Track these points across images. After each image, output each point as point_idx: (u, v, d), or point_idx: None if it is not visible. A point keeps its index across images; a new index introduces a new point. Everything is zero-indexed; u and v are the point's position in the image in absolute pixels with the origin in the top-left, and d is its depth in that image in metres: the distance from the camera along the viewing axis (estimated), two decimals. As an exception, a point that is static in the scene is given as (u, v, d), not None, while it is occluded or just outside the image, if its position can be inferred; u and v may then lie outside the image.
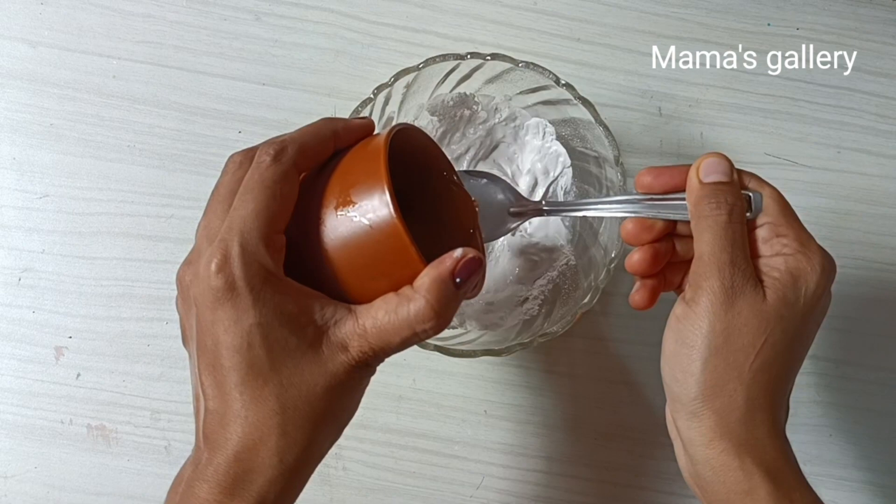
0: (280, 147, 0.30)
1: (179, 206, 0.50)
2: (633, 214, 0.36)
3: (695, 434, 0.33)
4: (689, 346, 0.33)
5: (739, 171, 0.36)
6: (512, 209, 0.42)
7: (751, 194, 0.35)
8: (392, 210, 0.29)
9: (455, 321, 0.46)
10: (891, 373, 0.51)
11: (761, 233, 0.35)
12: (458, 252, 0.30)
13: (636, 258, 0.36)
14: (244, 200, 0.29)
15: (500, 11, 0.53)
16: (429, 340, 0.41)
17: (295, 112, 0.51)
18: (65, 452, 0.48)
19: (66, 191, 0.50)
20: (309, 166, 0.32)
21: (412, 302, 0.29)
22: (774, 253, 0.34)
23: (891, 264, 0.52)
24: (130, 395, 0.48)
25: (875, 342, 0.51)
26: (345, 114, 0.42)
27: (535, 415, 0.50)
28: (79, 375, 0.48)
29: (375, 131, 0.34)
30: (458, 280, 0.30)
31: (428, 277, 0.30)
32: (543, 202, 0.42)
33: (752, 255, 0.34)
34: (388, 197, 0.29)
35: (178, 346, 0.48)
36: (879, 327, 0.52)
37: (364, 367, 0.30)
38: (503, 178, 0.45)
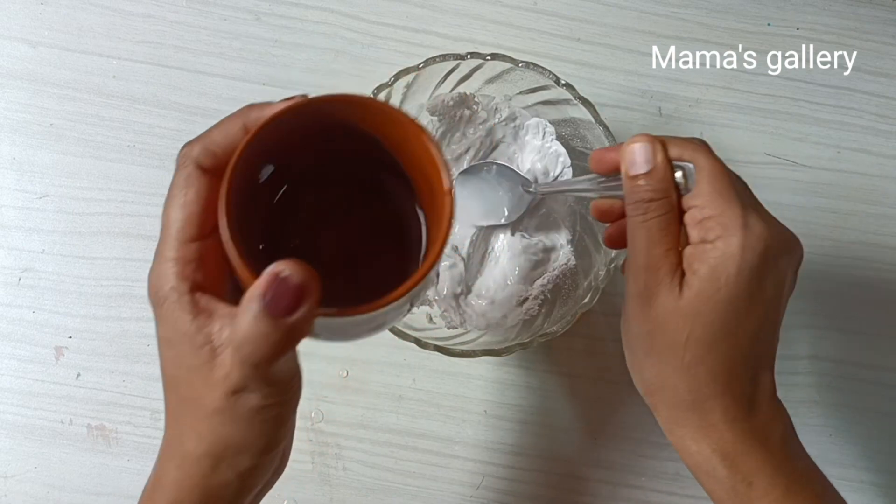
0: (186, 150, 0.29)
1: (179, 206, 0.50)
2: (594, 195, 0.38)
3: (660, 423, 0.35)
4: (630, 349, 0.35)
5: (669, 143, 0.33)
6: (528, 188, 0.46)
7: (684, 168, 0.33)
8: (223, 223, 0.26)
9: (455, 321, 0.46)
10: (891, 373, 0.51)
11: (693, 215, 0.32)
12: (270, 267, 0.25)
13: (608, 233, 0.39)
14: (163, 213, 0.30)
15: (500, 11, 0.53)
16: (429, 340, 0.41)
17: (295, 112, 0.51)
18: (65, 452, 0.48)
19: (66, 191, 0.50)
20: (219, 165, 0.28)
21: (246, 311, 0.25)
22: (700, 239, 0.32)
23: (891, 264, 0.52)
24: (130, 395, 0.48)
25: (875, 342, 0.51)
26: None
27: (535, 415, 0.50)
28: (79, 375, 0.48)
29: None
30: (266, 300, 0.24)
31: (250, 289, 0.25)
32: (534, 186, 0.45)
33: (685, 242, 0.33)
34: (222, 211, 0.26)
35: (178, 346, 0.49)
36: (879, 327, 0.52)
37: (242, 391, 0.26)
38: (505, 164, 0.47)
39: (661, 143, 0.33)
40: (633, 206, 0.33)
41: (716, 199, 0.32)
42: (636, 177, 0.33)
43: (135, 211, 0.50)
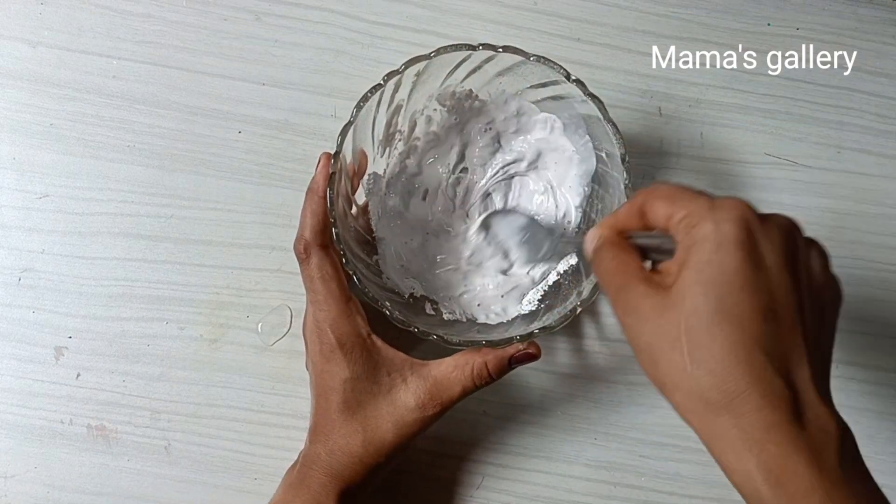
0: (303, 245, 0.41)
1: (179, 206, 0.50)
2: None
3: (702, 441, 0.31)
4: (650, 376, 0.32)
5: (617, 217, 0.35)
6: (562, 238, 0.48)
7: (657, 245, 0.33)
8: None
9: (456, 312, 0.47)
10: (891, 373, 0.51)
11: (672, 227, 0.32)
12: (521, 345, 0.42)
13: None
14: (310, 297, 0.42)
15: (501, 11, 0.53)
16: (431, 331, 0.42)
17: (295, 112, 0.51)
18: (65, 452, 0.48)
19: (66, 191, 0.50)
20: (327, 236, 0.42)
21: (475, 363, 0.41)
22: (680, 242, 0.31)
23: (891, 264, 0.52)
24: (130, 395, 0.48)
25: (875, 342, 0.51)
26: (345, 113, 0.42)
27: (535, 415, 0.50)
28: (79, 375, 0.48)
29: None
30: (512, 363, 0.42)
31: (493, 353, 0.41)
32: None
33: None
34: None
35: (177, 346, 0.49)
36: (879, 327, 0.52)
37: (420, 409, 0.41)
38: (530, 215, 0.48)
39: (612, 220, 0.35)
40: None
41: (676, 205, 0.31)
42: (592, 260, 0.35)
43: (135, 211, 0.50)
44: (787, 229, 0.31)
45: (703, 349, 0.29)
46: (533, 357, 0.42)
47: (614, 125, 0.43)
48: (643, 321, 0.30)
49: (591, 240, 0.35)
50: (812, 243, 0.32)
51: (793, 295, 0.29)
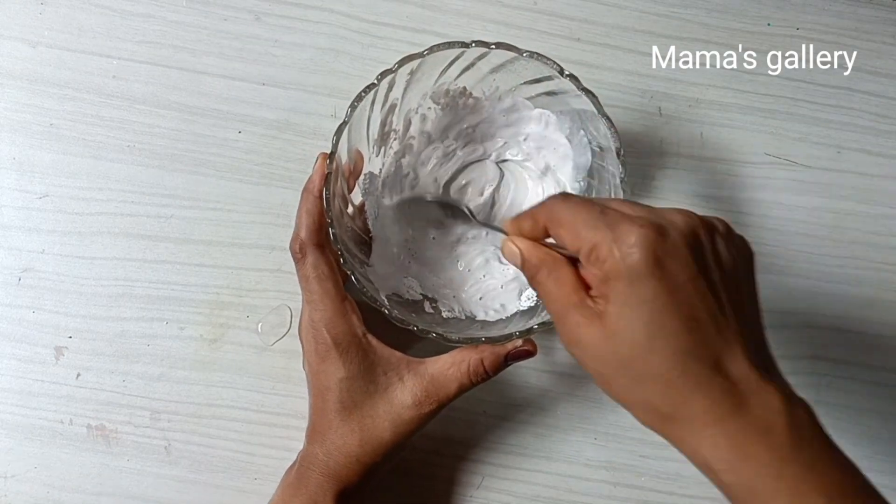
0: (298, 244, 0.42)
1: (179, 206, 0.50)
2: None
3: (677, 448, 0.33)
4: (610, 394, 0.35)
5: (521, 220, 0.36)
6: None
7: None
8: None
9: (455, 310, 0.47)
10: (891, 373, 0.51)
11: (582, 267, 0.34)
12: (518, 342, 0.42)
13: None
14: (306, 296, 0.42)
15: (500, 11, 0.53)
16: (430, 329, 0.42)
17: (295, 112, 0.51)
18: (65, 452, 0.48)
19: (66, 191, 0.50)
20: (323, 235, 0.42)
21: (471, 360, 0.41)
22: (594, 276, 0.33)
23: (891, 264, 0.52)
24: (130, 395, 0.48)
25: (875, 342, 0.51)
26: (344, 112, 0.42)
27: (535, 415, 0.50)
28: (79, 375, 0.48)
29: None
30: (508, 360, 0.42)
31: (489, 350, 0.41)
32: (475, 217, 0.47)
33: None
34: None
35: (177, 345, 0.49)
36: (879, 327, 0.52)
37: (417, 407, 0.41)
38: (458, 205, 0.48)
39: (518, 232, 0.36)
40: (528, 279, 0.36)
41: (579, 237, 0.32)
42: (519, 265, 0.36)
43: (135, 211, 0.50)
44: (688, 234, 0.32)
45: (644, 373, 0.31)
46: (529, 354, 0.42)
47: (609, 119, 0.43)
48: (587, 352, 0.33)
49: (511, 253, 0.36)
50: (711, 227, 0.33)
51: (709, 296, 0.31)
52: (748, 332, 0.32)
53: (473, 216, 0.44)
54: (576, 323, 0.32)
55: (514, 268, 0.38)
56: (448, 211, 0.48)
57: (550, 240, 0.36)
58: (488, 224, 0.45)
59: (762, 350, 0.33)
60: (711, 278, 0.32)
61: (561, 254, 0.35)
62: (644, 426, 0.33)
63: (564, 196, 0.35)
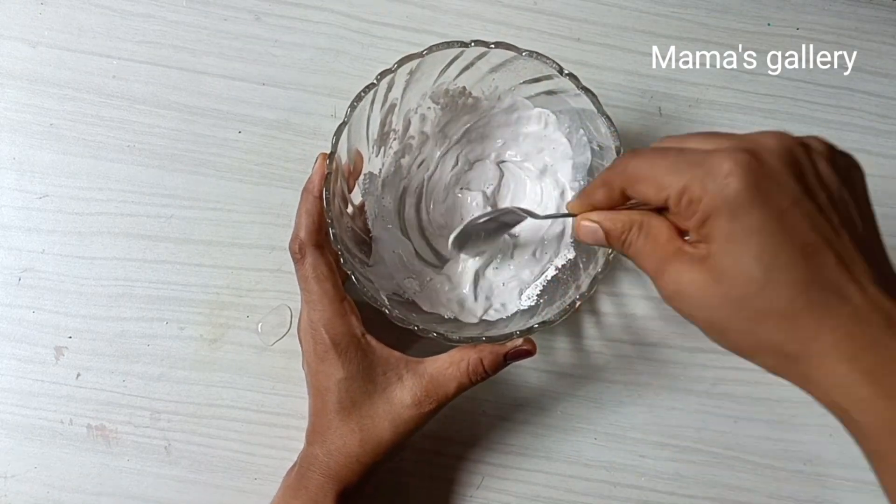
0: (298, 244, 0.41)
1: (179, 206, 0.50)
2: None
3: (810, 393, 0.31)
4: (727, 346, 0.32)
5: (591, 193, 0.35)
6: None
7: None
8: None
9: (455, 310, 0.47)
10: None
11: (675, 214, 0.32)
12: (518, 341, 0.42)
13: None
14: (304, 296, 0.42)
15: (500, 11, 0.53)
16: (431, 329, 0.42)
17: (295, 112, 0.51)
18: (65, 452, 0.48)
19: (66, 191, 0.50)
20: (322, 235, 0.42)
21: (471, 359, 0.41)
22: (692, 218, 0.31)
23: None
24: (130, 395, 0.48)
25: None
26: (344, 112, 0.42)
27: (535, 414, 0.50)
28: (79, 375, 0.48)
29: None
30: (507, 359, 0.42)
31: (488, 349, 0.41)
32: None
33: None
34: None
35: (177, 345, 0.49)
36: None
37: (416, 406, 0.41)
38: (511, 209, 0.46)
39: (590, 206, 0.35)
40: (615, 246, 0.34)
41: (664, 184, 0.30)
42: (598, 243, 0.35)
43: (135, 211, 0.50)
44: (784, 154, 0.30)
45: (762, 311, 0.29)
46: (528, 353, 0.42)
47: (608, 118, 0.43)
48: (693, 301, 0.30)
49: (588, 231, 0.34)
50: (808, 146, 0.31)
51: (819, 218, 0.29)
52: (870, 254, 0.30)
53: (534, 214, 0.43)
54: (676, 272, 0.30)
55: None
56: (496, 220, 0.45)
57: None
58: (552, 215, 0.43)
59: (889, 273, 0.30)
60: (817, 200, 0.29)
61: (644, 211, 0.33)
62: (769, 372, 0.31)
63: (633, 152, 0.32)
